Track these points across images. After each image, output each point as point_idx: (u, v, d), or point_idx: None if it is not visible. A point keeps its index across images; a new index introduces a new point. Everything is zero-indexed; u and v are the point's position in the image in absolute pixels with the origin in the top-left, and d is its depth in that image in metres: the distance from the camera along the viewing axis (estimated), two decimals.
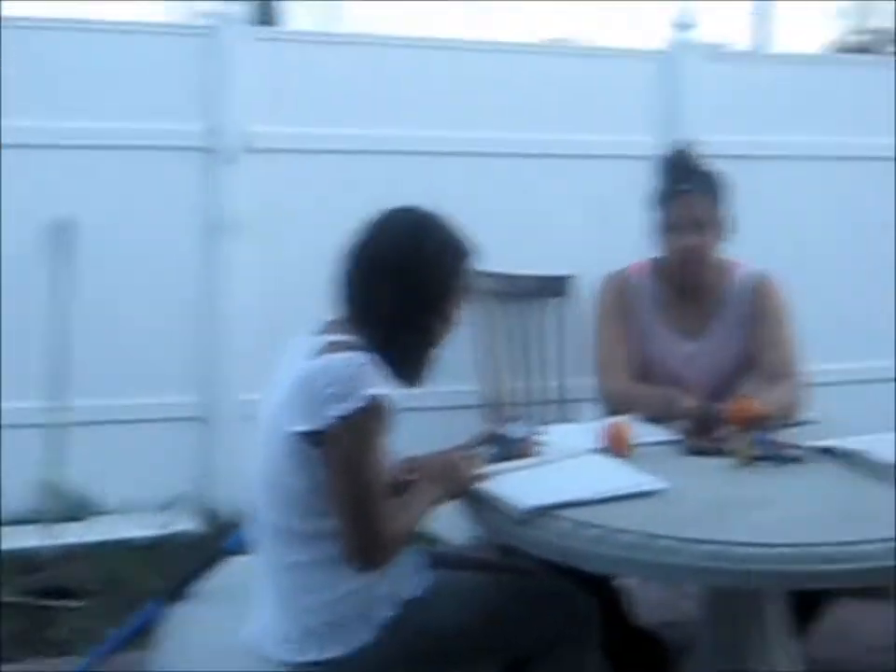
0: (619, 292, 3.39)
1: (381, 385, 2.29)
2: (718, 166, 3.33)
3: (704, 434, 2.91)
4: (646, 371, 3.32)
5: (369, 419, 2.27)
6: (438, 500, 2.47)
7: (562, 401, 4.98)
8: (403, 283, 2.39)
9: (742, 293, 3.35)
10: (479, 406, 4.79)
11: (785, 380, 3.19)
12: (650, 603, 3.86)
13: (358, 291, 2.43)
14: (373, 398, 2.26)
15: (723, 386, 3.21)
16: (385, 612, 2.36)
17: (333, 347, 2.33)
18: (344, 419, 2.25)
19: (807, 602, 3.08)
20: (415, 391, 2.49)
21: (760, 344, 3.31)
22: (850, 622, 3.74)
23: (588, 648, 2.52)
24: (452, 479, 2.49)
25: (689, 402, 2.98)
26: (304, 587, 2.35)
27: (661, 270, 3.38)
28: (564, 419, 4.65)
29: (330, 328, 2.43)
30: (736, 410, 2.85)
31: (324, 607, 2.34)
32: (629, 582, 3.99)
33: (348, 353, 2.31)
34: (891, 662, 3.63)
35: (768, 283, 3.38)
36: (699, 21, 5.27)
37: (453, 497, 2.50)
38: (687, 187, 3.25)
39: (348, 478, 2.28)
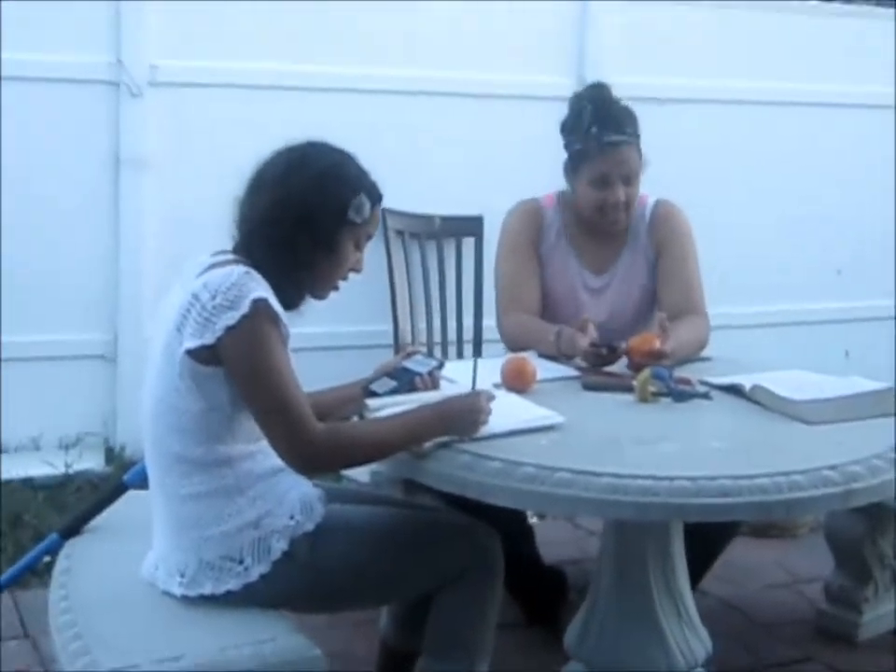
0: (529, 221, 3.30)
1: (264, 292, 2.27)
2: (634, 108, 3.20)
3: (600, 369, 2.91)
4: (552, 305, 3.28)
5: (258, 323, 2.24)
6: (431, 433, 2.36)
7: (476, 342, 4.99)
8: (284, 204, 2.35)
9: (645, 223, 3.30)
10: (393, 346, 4.78)
11: (690, 317, 3.16)
12: (556, 542, 3.90)
13: (245, 214, 2.41)
14: (258, 301, 2.24)
15: (630, 321, 3.16)
16: (281, 546, 2.33)
17: (215, 266, 2.33)
18: (234, 328, 2.23)
19: (707, 540, 3.11)
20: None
21: (664, 278, 3.27)
22: (749, 560, 3.81)
23: (490, 584, 2.51)
24: (465, 422, 2.37)
25: (582, 342, 2.92)
26: (200, 519, 2.33)
27: (570, 206, 3.29)
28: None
29: (219, 255, 2.41)
30: (637, 345, 2.85)
31: (220, 539, 2.32)
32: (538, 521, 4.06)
33: (229, 267, 2.31)
34: (788, 599, 3.69)
35: (669, 209, 3.33)
36: None
37: (453, 435, 2.37)
38: (617, 138, 3.10)
39: (253, 382, 2.26)
